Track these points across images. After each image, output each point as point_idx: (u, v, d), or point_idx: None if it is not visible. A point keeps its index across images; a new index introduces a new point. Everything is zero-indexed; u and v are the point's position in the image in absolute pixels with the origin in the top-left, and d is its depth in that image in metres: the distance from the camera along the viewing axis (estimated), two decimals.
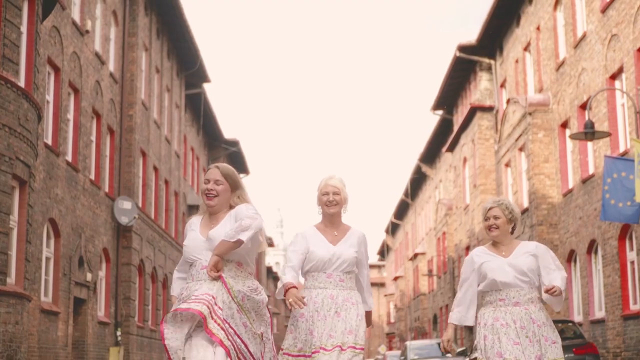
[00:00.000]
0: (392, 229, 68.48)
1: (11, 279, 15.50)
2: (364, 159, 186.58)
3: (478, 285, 6.44)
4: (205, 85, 37.98)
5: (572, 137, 17.20)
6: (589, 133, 16.39)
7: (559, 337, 6.35)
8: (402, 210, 62.14)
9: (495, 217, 6.41)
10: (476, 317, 6.47)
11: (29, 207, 16.40)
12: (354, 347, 6.00)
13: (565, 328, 18.54)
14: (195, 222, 5.74)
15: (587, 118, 18.40)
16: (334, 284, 6.15)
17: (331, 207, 6.27)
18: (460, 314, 6.48)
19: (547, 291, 6.14)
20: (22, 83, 16.13)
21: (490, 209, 6.45)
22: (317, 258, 6.16)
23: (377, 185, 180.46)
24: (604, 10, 21.08)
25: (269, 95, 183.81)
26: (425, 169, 49.22)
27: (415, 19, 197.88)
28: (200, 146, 42.03)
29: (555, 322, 18.87)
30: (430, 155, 47.43)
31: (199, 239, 5.61)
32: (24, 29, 16.43)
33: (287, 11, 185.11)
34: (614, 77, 20.75)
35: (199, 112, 39.18)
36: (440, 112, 41.05)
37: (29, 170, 16.17)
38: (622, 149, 20.13)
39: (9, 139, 15.16)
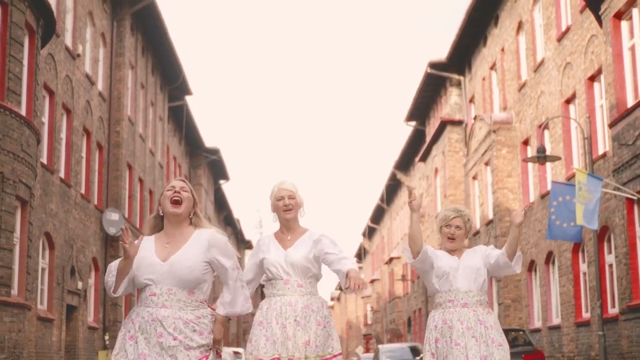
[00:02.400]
0: (369, 232, 69.53)
1: (14, 291, 16.92)
2: (342, 164, 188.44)
3: (433, 278, 6.32)
4: (188, 98, 39.22)
5: (526, 160, 18.75)
6: (541, 157, 17.93)
7: (507, 342, 6.33)
8: (378, 215, 62.80)
9: (458, 227, 6.29)
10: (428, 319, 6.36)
11: (29, 224, 17.83)
12: (324, 358, 5.84)
13: (517, 336, 20.15)
14: (148, 242, 5.13)
15: (544, 139, 19.93)
16: (292, 290, 5.92)
17: (287, 212, 6.05)
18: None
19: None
20: (23, 111, 17.48)
21: (453, 218, 6.31)
22: (268, 263, 6.00)
23: (355, 189, 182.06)
24: (559, 39, 22.63)
25: (249, 106, 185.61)
26: (400, 176, 50.16)
27: (389, 35, 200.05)
28: (182, 155, 43.31)
29: (508, 330, 20.57)
30: (405, 163, 48.45)
31: (155, 262, 5.00)
32: (25, 61, 17.76)
33: (264, 25, 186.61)
34: (568, 101, 22.25)
35: (181, 123, 40.39)
36: (413, 123, 42.41)
37: (29, 191, 17.59)
38: None
39: (13, 164, 16.59)
